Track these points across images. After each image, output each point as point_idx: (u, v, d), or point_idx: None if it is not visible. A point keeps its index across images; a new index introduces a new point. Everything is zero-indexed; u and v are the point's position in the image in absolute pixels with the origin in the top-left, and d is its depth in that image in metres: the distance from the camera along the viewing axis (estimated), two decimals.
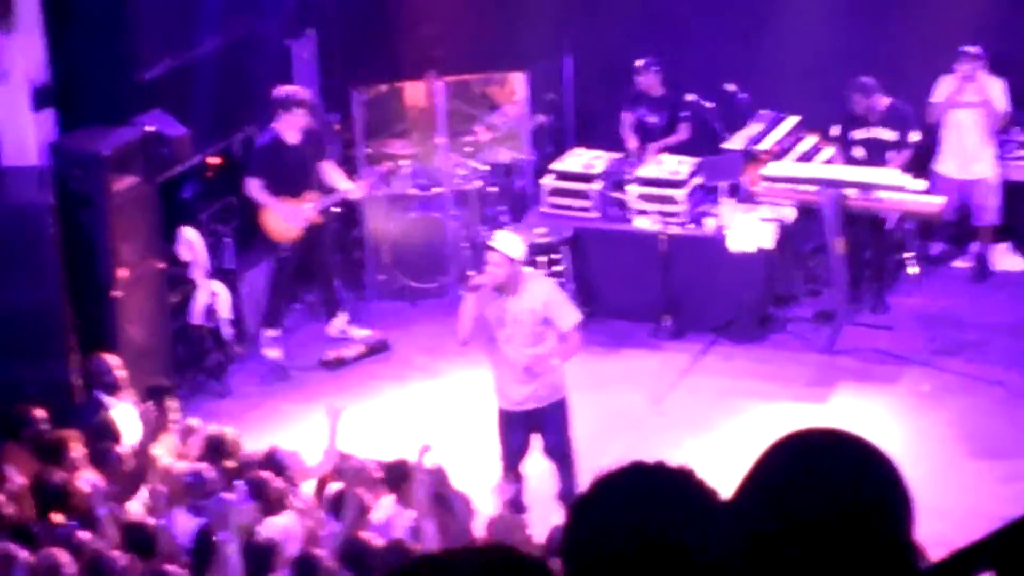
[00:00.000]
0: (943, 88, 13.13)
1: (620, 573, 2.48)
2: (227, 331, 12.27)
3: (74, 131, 11.41)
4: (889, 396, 11.65)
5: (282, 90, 12.54)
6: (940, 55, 13.26)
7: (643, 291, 12.72)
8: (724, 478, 2.54)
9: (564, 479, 9.93)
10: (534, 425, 9.86)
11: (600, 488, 2.55)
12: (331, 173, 12.77)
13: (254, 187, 12.40)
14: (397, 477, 8.93)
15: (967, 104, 13.04)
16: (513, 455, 9.95)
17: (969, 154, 13.15)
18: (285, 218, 12.47)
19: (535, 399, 9.76)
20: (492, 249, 9.54)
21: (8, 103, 11.29)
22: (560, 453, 9.94)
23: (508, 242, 9.63)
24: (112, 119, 11.50)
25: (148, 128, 11.66)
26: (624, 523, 2.49)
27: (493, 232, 10.59)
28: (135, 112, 11.85)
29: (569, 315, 9.71)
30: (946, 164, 13.26)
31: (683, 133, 13.64)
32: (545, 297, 9.65)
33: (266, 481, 8.76)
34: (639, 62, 13.67)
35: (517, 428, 9.86)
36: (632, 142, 13.66)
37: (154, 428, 9.87)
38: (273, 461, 9.20)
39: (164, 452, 9.62)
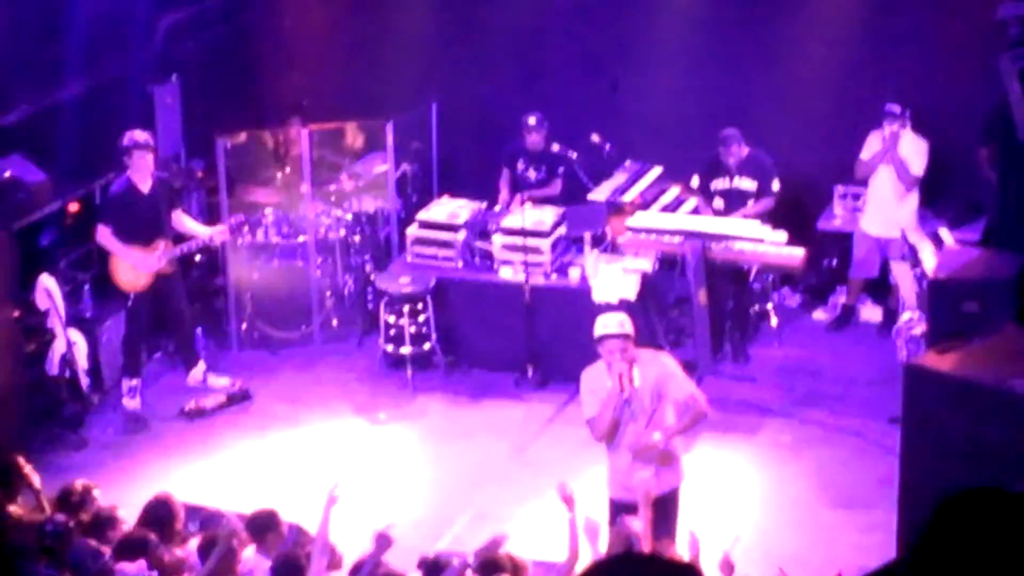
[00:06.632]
0: (871, 145, 12.96)
1: None
2: (84, 381, 12.07)
3: None
4: (750, 446, 11.73)
5: (125, 135, 12.32)
6: (799, 106, 13.49)
7: (507, 341, 12.73)
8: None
9: None
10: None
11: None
12: (184, 221, 12.61)
13: (104, 234, 12.24)
14: (259, 528, 8.81)
15: (888, 162, 12.81)
16: None
17: (888, 211, 12.93)
18: (134, 266, 12.29)
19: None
20: (619, 336, 8.93)
21: None
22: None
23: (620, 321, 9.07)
24: None
25: (5, 173, 11.48)
26: None
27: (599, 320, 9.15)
28: None
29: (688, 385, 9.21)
30: (867, 220, 13.19)
31: (555, 187, 13.65)
32: (659, 372, 9.09)
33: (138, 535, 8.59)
34: (531, 120, 13.59)
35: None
36: (505, 195, 13.67)
37: (10, 488, 9.64)
38: (156, 513, 8.98)
39: (19, 509, 9.41)
